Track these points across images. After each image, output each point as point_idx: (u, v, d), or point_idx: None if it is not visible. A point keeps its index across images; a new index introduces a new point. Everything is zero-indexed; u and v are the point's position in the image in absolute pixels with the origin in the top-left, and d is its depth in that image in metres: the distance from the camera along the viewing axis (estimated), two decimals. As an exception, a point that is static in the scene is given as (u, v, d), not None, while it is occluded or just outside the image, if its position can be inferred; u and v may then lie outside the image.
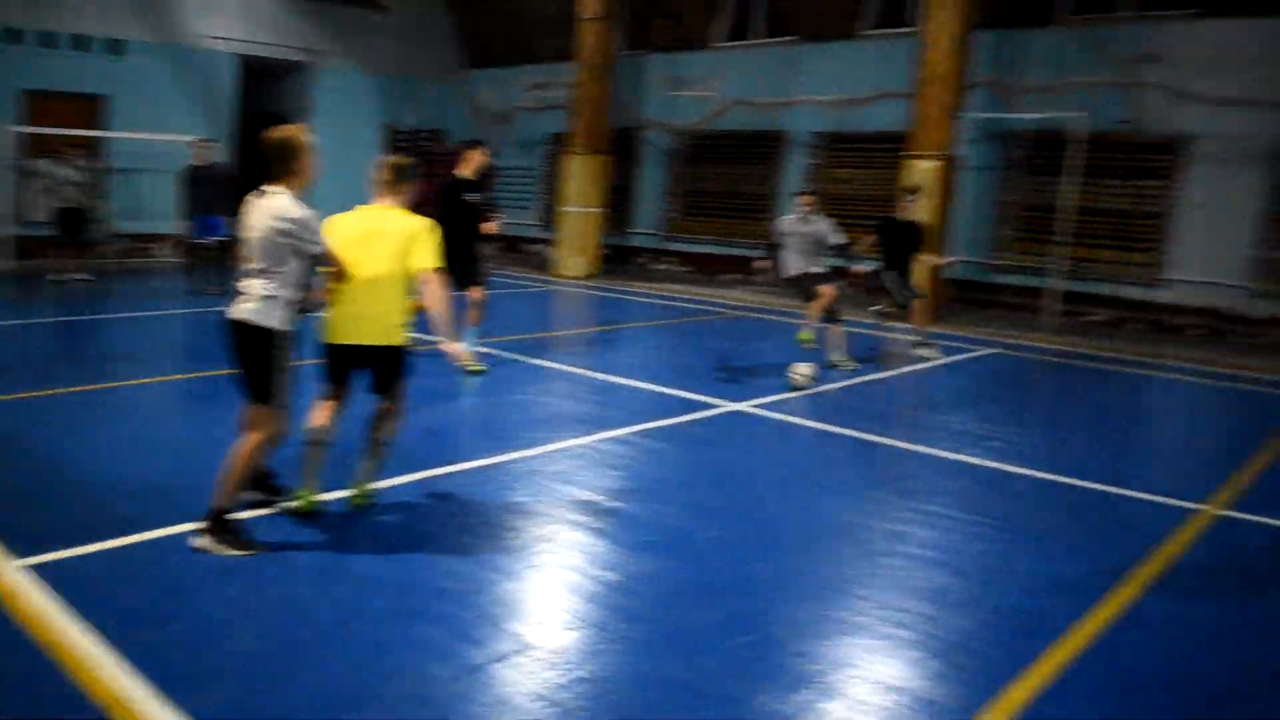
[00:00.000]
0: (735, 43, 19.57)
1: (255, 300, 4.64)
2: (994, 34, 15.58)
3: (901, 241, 11.10)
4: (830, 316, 10.30)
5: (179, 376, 8.77)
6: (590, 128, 18.48)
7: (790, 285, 10.55)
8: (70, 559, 4.53)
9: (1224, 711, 3.76)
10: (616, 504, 5.70)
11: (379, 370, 5.19)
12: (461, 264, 8.63)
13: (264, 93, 22.63)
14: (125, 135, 18.29)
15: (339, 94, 21.90)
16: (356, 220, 5.16)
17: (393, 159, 5.32)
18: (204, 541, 4.59)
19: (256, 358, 4.67)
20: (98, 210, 16.65)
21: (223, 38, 20.21)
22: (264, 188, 4.71)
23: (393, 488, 5.69)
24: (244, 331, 4.66)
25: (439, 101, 23.94)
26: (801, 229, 10.31)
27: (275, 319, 4.65)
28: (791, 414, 8.23)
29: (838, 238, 10.37)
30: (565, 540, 5.12)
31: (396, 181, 5.22)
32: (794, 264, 10.36)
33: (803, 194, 10.56)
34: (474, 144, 8.84)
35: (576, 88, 18.86)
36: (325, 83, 21.69)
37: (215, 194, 13.56)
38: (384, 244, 5.03)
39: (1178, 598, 4.74)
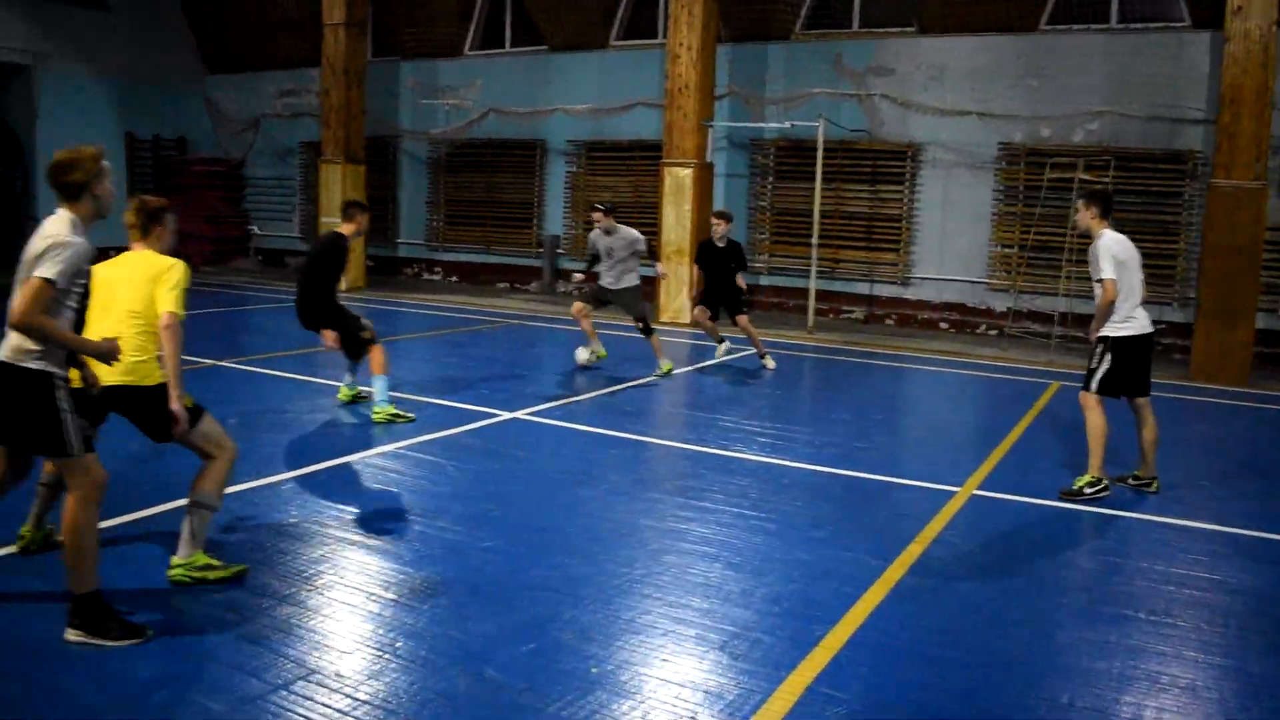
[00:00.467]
0: (488, 51, 19.52)
1: (19, 339, 3.92)
2: (736, 47, 16.29)
3: (717, 263, 11.10)
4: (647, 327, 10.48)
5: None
6: (343, 136, 17.96)
7: (615, 299, 10.52)
8: None
9: (975, 676, 4.03)
10: (393, 520, 5.56)
11: (135, 415, 4.62)
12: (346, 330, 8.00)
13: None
14: None
15: (69, 100, 20.31)
16: (107, 267, 4.67)
17: (141, 200, 4.79)
18: (78, 635, 3.92)
19: (30, 407, 3.96)
20: None
21: (-76, 37, 18.34)
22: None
23: (154, 517, 5.34)
24: (10, 376, 3.95)
25: (181, 109, 22.66)
26: (603, 243, 10.36)
27: (39, 360, 3.94)
28: (567, 420, 8.26)
29: (641, 244, 10.38)
30: (341, 560, 4.94)
31: (146, 224, 4.73)
32: (607, 278, 10.43)
33: (594, 209, 10.56)
34: (361, 206, 8.26)
35: (325, 95, 18.30)
36: (52, 88, 20.09)
37: None
38: (125, 285, 4.58)
39: (936, 575, 5.06)
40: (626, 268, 10.40)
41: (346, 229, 8.13)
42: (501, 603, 4.49)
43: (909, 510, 6.19)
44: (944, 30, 14.88)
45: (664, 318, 14.73)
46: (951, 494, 6.50)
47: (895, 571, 5.04)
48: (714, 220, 11.25)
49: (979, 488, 6.69)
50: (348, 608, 4.40)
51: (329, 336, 7.85)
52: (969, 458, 7.55)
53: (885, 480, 6.86)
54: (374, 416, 7.89)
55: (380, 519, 5.58)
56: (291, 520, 5.50)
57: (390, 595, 4.54)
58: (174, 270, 4.62)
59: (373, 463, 6.73)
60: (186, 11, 22.61)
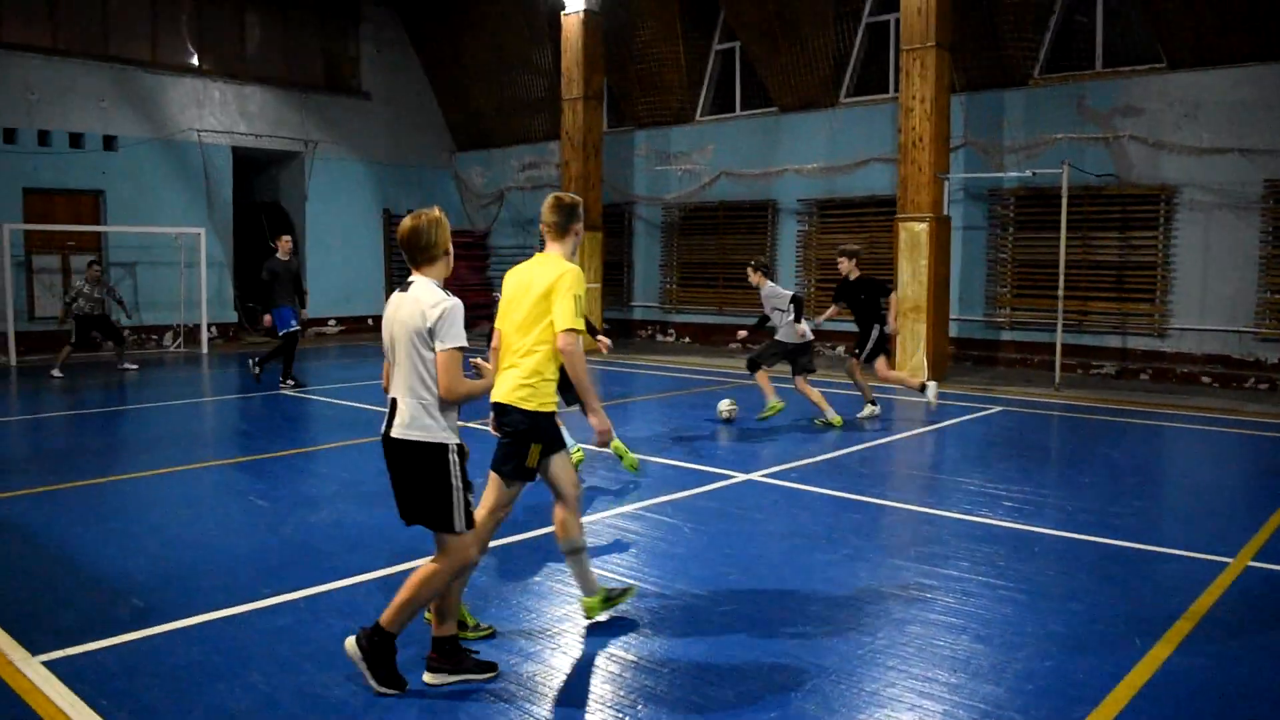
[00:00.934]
0: (719, 115, 19.90)
1: (414, 412, 4.08)
2: (972, 96, 15.91)
3: (854, 300, 11.21)
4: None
5: (196, 465, 8.71)
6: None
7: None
8: (85, 654, 4.55)
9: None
10: (632, 582, 5.63)
11: (505, 434, 4.66)
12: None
13: (260, 182, 22.99)
14: (125, 229, 18.55)
15: (334, 181, 22.30)
16: (512, 275, 4.83)
17: (557, 197, 4.83)
18: (358, 654, 4.15)
19: (426, 479, 4.11)
20: (112, 313, 16.74)
21: (214, 130, 20.55)
22: (409, 279, 4.20)
23: (395, 575, 5.63)
24: (408, 451, 4.10)
25: (432, 185, 24.27)
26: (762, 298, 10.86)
27: (441, 431, 4.11)
28: (803, 482, 8.17)
29: (779, 300, 10.68)
30: (582, 620, 5.04)
31: (565, 222, 4.79)
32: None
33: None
34: None
35: (564, 166, 19.14)
36: (320, 171, 22.01)
37: (293, 286, 13.79)
38: (517, 304, 4.68)
39: (1210, 655, 4.65)
40: (781, 321, 10.68)
41: None
42: (742, 669, 4.46)
43: (1174, 582, 5.74)
44: (1197, 64, 14.02)
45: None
46: (1223, 565, 5.98)
47: (1162, 649, 4.68)
48: (838, 259, 11.29)
49: (1255, 559, 6.13)
50: (590, 668, 4.49)
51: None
52: (1241, 525, 6.93)
53: (1146, 549, 6.40)
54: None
55: (620, 579, 5.67)
56: (536, 579, 5.69)
57: (630, 657, 4.59)
58: (565, 277, 4.57)
59: (612, 523, 6.88)
60: (438, 96, 24.30)
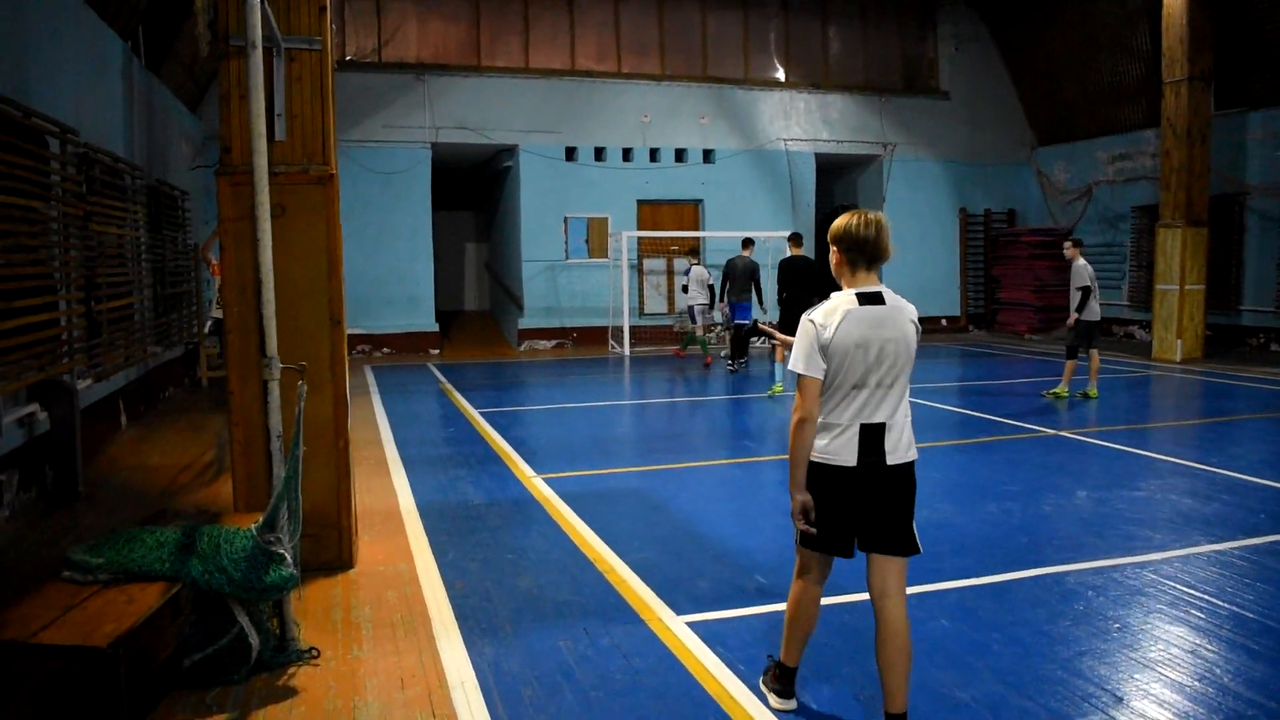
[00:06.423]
0: (1364, 86, 16.99)
1: (908, 433, 3.75)
2: None
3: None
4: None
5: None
6: (1183, 198, 16.97)
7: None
8: (720, 620, 5.06)
9: None
10: (1275, 624, 4.99)
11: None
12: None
13: (839, 186, 23.90)
14: (720, 235, 20.25)
15: (911, 182, 22.57)
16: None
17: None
18: None
19: (911, 499, 3.77)
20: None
21: (799, 139, 21.68)
22: (869, 289, 3.71)
23: (1005, 583, 5.52)
24: (907, 474, 3.74)
25: (1010, 181, 23.59)
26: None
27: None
28: None
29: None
30: (1216, 659, 4.56)
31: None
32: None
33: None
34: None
35: (1164, 156, 17.48)
36: (898, 172, 22.35)
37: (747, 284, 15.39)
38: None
39: None
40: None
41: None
42: None
43: None
44: None
45: None
46: None
47: None
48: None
49: None
50: (1228, 713, 4.03)
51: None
52: None
53: None
54: None
55: (1260, 620, 5.04)
56: (1158, 606, 5.24)
57: (1281, 708, 4.07)
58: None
59: (1242, 554, 6.13)
60: (1019, 90, 23.51)
